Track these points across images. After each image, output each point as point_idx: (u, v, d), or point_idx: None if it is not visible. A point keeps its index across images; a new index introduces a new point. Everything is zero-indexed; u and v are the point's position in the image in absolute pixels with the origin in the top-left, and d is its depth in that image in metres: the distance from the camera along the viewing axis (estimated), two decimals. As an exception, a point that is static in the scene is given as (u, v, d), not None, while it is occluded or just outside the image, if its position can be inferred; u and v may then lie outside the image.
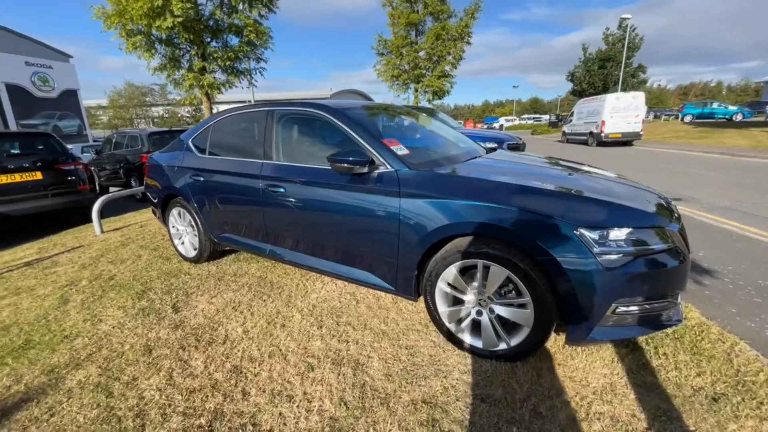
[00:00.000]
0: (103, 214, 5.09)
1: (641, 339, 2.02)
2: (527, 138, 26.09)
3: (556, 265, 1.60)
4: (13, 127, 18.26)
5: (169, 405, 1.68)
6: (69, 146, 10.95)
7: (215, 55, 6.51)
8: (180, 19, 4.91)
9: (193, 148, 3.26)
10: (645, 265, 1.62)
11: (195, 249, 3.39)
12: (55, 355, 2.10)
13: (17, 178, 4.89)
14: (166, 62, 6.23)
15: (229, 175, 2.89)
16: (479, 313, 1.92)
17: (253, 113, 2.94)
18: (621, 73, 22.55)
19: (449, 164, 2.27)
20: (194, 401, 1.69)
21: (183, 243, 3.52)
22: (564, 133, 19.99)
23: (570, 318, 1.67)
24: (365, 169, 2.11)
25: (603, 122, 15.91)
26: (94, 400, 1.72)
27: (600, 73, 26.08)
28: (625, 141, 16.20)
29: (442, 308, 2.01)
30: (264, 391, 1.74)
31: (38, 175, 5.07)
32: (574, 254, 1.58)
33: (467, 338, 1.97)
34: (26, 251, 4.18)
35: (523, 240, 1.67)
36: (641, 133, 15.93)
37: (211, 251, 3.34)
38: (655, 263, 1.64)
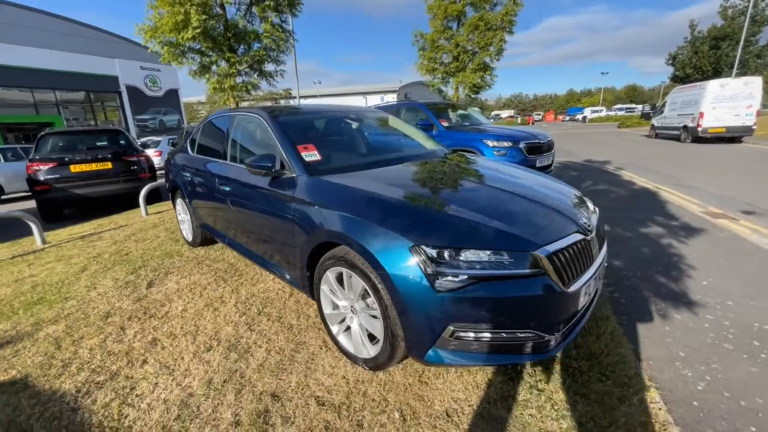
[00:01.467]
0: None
1: (530, 367, 1.85)
2: (610, 132, 23.12)
3: (388, 280, 1.58)
4: (130, 121, 22.22)
5: (88, 362, 2.08)
6: (160, 138, 13.01)
7: (232, 60, 7.27)
8: (198, 30, 5.72)
9: (187, 146, 3.75)
10: (490, 291, 1.50)
11: (191, 234, 3.92)
12: (49, 311, 2.70)
13: (93, 167, 6.09)
14: (198, 68, 7.19)
15: (202, 172, 3.28)
16: (351, 319, 1.96)
17: (225, 117, 3.27)
18: (739, 54, 18.53)
19: (354, 170, 2.29)
20: (105, 362, 2.07)
21: (184, 229, 4.08)
22: (653, 127, 17.31)
23: (407, 335, 1.63)
24: (273, 174, 2.27)
25: (701, 114, 13.42)
26: (45, 350, 2.21)
27: (711, 55, 21.75)
28: (731, 137, 13.46)
29: (327, 310, 2.09)
30: (158, 363, 2.05)
31: (109, 165, 6.24)
32: (406, 271, 1.54)
33: (344, 341, 2.02)
34: (87, 226, 5.23)
35: (366, 252, 1.67)
36: (754, 127, 13.05)
37: (203, 237, 3.82)
38: (504, 289, 1.51)
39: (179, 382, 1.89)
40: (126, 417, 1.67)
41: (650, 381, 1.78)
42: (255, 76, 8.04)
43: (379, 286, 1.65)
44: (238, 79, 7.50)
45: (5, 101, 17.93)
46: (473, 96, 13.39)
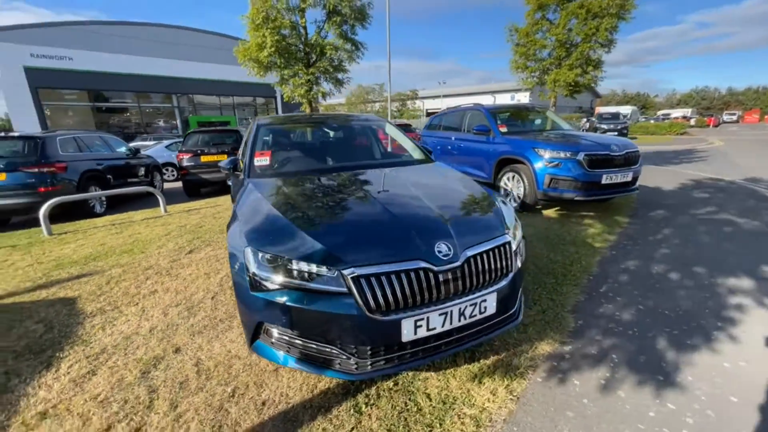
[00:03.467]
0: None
1: (370, 389, 1.81)
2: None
3: (233, 274, 1.84)
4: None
5: (110, 296, 2.99)
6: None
7: (301, 72, 8.21)
8: (273, 49, 6.91)
9: None
10: (296, 300, 1.60)
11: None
12: (125, 258, 3.89)
13: (215, 158, 7.95)
14: (279, 80, 8.49)
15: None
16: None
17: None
18: None
19: (287, 176, 2.56)
20: (118, 299, 2.94)
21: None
22: None
23: (242, 323, 1.86)
24: (235, 174, 2.76)
25: None
26: (99, 283, 3.26)
27: None
28: None
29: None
30: (141, 307, 2.80)
31: (225, 157, 8.03)
32: (240, 269, 1.76)
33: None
34: (198, 204, 6.93)
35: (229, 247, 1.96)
36: None
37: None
38: (309, 301, 1.59)
39: (139, 323, 2.57)
40: (94, 336, 2.42)
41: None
42: (324, 84, 9.01)
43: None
44: (311, 87, 8.58)
45: (203, 105, 24.46)
46: (595, 95, 11.25)
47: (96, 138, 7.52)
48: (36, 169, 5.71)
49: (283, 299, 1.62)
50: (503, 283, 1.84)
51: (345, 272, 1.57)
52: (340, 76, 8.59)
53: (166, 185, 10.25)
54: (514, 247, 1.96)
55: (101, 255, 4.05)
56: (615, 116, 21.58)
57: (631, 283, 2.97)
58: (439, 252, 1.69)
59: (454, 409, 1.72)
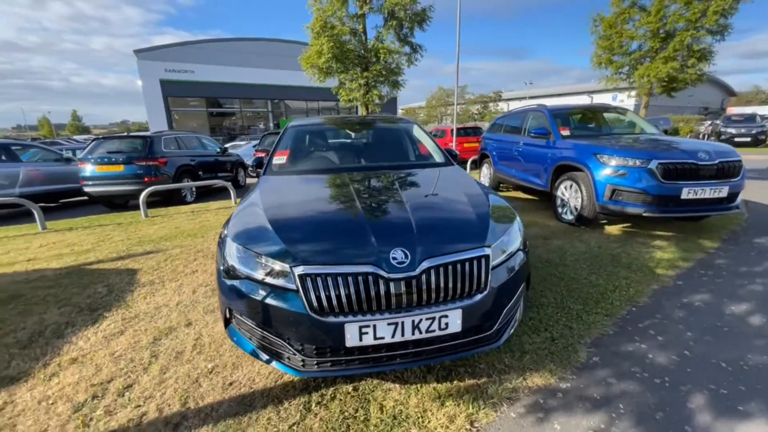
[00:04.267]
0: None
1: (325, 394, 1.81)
2: None
3: (216, 261, 2.01)
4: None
5: (155, 273, 3.51)
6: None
7: (355, 76, 8.29)
8: (329, 56, 7.19)
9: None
10: (252, 291, 1.69)
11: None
12: (187, 241, 4.52)
13: None
14: (337, 85, 8.80)
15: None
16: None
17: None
18: None
19: (297, 174, 2.71)
20: (157, 275, 3.44)
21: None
22: None
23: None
24: (257, 172, 3.00)
25: None
26: (158, 260, 3.85)
27: None
28: None
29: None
30: (177, 281, 3.22)
31: None
32: (220, 257, 1.91)
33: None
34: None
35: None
36: None
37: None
38: (263, 293, 1.66)
39: (171, 297, 2.97)
40: (135, 303, 2.87)
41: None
42: (382, 88, 9.06)
43: None
44: (368, 91, 8.73)
45: (292, 110, 26.94)
46: (671, 93, 9.12)
47: (193, 138, 8.87)
48: (144, 163, 6.99)
49: (246, 289, 1.71)
50: (472, 300, 1.66)
51: (295, 270, 1.60)
52: (399, 79, 8.64)
53: (249, 180, 11.56)
54: (495, 261, 1.76)
55: (172, 236, 4.77)
56: (750, 119, 17.30)
57: (686, 321, 2.40)
58: (394, 259, 1.61)
59: (402, 426, 1.62)
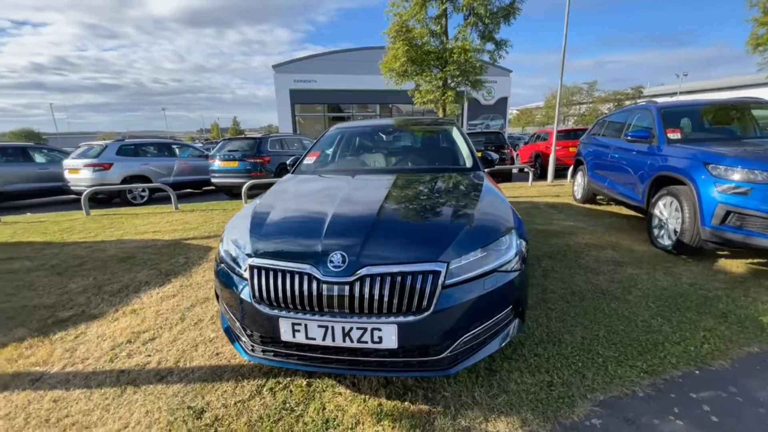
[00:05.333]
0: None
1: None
2: None
3: None
4: (465, 126, 27.67)
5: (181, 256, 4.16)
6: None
7: (428, 76, 7.70)
8: (404, 58, 7.02)
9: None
10: (223, 276, 1.90)
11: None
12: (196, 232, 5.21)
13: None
14: (414, 88, 8.46)
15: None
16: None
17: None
18: None
19: (321, 174, 2.86)
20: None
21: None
22: None
23: None
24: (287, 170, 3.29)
25: None
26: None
27: None
28: None
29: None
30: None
31: None
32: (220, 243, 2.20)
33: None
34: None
35: None
36: None
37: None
38: (228, 278, 1.85)
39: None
40: (196, 274, 3.48)
41: None
42: (459, 88, 8.39)
43: None
44: (444, 92, 8.22)
45: (404, 113, 27.91)
46: None
47: (295, 140, 10.09)
48: (252, 160, 8.31)
49: (221, 274, 1.94)
50: (412, 318, 1.52)
51: (248, 261, 1.74)
52: (479, 78, 8.03)
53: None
54: (454, 279, 1.58)
55: (253, 223, 5.57)
56: None
57: (776, 406, 1.67)
58: (331, 262, 1.59)
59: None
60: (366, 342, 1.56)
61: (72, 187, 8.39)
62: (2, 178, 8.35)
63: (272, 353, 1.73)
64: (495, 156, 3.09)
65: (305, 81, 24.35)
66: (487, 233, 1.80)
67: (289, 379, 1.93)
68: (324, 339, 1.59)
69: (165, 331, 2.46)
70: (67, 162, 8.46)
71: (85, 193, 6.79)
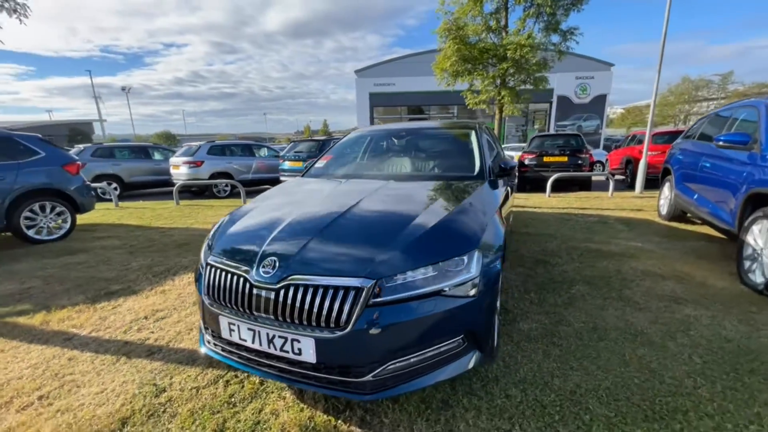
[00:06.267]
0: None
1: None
2: None
3: None
4: (551, 127, 25.23)
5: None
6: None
7: (480, 75, 6.80)
8: (454, 58, 6.43)
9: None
10: (202, 269, 2.06)
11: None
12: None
13: (557, 159, 9.09)
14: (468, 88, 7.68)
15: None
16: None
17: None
18: None
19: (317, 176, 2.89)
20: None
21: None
22: None
23: None
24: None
25: None
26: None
27: None
28: None
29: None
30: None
31: (565, 158, 9.02)
32: None
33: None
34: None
35: None
36: None
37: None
38: (201, 272, 2.00)
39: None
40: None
41: None
42: (521, 87, 7.36)
43: None
44: (500, 92, 7.33)
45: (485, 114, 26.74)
46: None
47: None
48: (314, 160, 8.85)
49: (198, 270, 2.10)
50: (329, 335, 1.44)
51: (207, 258, 1.86)
52: (540, 74, 7.03)
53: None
54: (382, 299, 1.45)
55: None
56: None
57: None
58: (263, 266, 1.60)
59: (252, 434, 1.61)
60: (288, 352, 1.53)
61: (174, 180, 10.02)
62: (129, 171, 10.39)
63: (220, 348, 1.81)
64: (512, 163, 2.74)
65: (384, 84, 24.97)
66: (438, 251, 1.62)
67: (246, 374, 2.00)
68: (253, 342, 1.61)
69: (176, 312, 2.77)
70: (172, 159, 10.13)
71: (176, 185, 8.04)
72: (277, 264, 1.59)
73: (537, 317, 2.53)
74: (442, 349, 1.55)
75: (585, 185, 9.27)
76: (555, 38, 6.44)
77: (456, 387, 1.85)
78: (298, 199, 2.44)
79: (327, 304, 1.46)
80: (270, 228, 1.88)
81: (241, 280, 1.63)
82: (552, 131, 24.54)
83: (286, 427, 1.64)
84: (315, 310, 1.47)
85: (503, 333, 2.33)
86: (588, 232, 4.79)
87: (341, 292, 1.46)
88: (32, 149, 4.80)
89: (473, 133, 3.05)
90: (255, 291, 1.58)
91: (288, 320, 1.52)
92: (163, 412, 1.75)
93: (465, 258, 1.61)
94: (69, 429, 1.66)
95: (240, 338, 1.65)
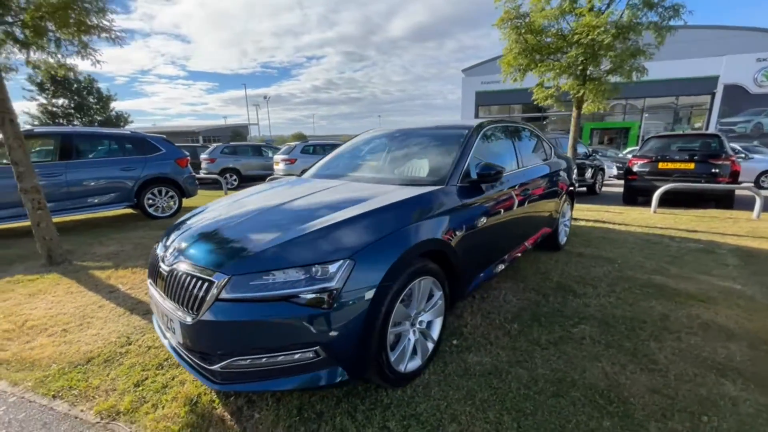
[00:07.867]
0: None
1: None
2: None
3: None
4: (712, 126, 19.74)
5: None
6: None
7: (544, 69, 5.16)
8: (516, 51, 5.27)
9: None
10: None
11: None
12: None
13: (677, 166, 7.07)
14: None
15: None
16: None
17: None
18: None
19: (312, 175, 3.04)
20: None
21: None
22: None
23: None
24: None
25: None
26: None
27: None
28: None
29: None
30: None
31: (692, 165, 6.89)
32: None
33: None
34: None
35: None
36: None
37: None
38: None
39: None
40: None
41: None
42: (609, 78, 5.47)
43: None
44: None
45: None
46: None
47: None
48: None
49: None
50: (189, 320, 1.56)
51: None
52: (636, 62, 5.22)
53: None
54: (233, 295, 1.50)
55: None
56: None
57: None
58: (170, 250, 1.82)
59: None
60: (171, 329, 1.71)
61: (276, 175, 11.65)
62: (246, 166, 12.53)
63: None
64: (498, 168, 2.33)
65: (491, 82, 23.63)
66: (304, 256, 1.56)
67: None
68: (160, 318, 1.85)
69: (190, 284, 3.30)
70: (275, 157, 11.78)
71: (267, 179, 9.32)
72: (176, 250, 1.79)
73: (497, 352, 2.13)
74: (295, 357, 1.50)
75: (724, 202, 6.97)
76: (652, 16, 4.86)
77: (341, 402, 1.74)
78: (245, 196, 2.56)
79: (188, 292, 1.59)
80: (193, 224, 2.09)
81: (159, 258, 1.89)
82: (713, 130, 19.16)
83: (179, 395, 1.83)
84: (181, 294, 1.61)
85: (444, 360, 2.05)
86: (669, 261, 3.68)
87: (198, 283, 1.56)
88: (157, 147, 6.29)
89: (469, 134, 2.70)
90: (161, 270, 1.81)
91: (171, 299, 1.69)
92: (115, 360, 2.15)
93: (329, 267, 1.52)
94: (60, 354, 2.21)
95: (157, 315, 1.91)
